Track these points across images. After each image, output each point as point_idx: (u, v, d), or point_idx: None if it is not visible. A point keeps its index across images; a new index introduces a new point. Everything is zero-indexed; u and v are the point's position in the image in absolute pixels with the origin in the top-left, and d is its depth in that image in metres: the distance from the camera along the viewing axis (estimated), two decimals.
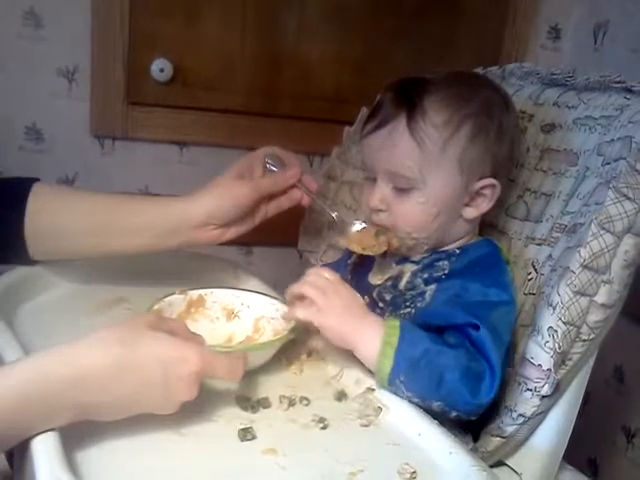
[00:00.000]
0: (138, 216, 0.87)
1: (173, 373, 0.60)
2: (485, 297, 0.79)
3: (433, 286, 0.83)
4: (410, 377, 0.71)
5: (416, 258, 0.87)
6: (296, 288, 0.77)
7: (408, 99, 0.81)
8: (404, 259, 0.88)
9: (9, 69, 1.29)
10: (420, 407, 0.71)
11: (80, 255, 0.90)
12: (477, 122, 0.81)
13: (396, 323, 0.74)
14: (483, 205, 0.84)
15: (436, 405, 0.72)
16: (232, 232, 0.90)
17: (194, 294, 0.84)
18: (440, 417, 0.71)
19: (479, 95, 0.84)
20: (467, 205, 0.84)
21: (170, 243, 0.88)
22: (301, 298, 0.76)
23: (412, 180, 0.81)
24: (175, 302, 0.82)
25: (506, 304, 0.79)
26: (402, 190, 0.83)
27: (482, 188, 0.83)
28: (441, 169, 0.81)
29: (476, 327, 0.74)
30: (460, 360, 0.72)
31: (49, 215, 0.86)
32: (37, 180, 0.88)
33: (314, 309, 0.74)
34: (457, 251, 0.85)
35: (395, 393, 0.72)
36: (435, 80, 0.83)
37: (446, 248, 0.86)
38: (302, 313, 0.75)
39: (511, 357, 0.82)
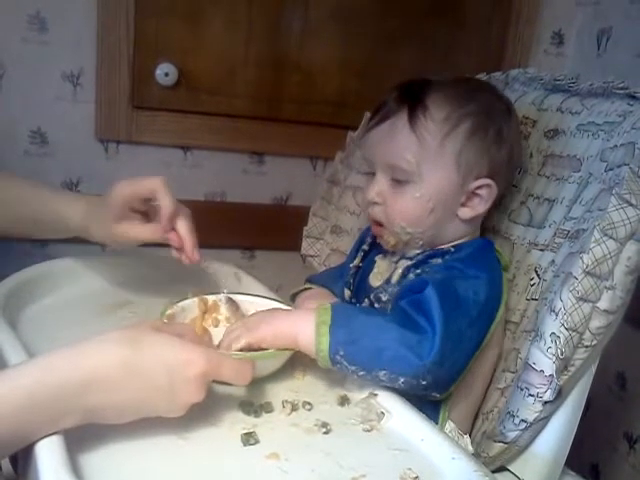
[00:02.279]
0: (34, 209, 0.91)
1: (179, 375, 0.60)
2: (459, 271, 0.80)
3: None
4: (349, 350, 0.71)
5: (411, 254, 0.88)
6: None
7: (411, 96, 0.84)
8: (400, 257, 0.89)
9: (14, 73, 1.29)
10: (368, 378, 0.72)
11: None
12: (476, 121, 0.83)
13: (327, 305, 0.75)
14: (479, 206, 0.85)
15: (382, 374, 0.71)
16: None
17: (208, 299, 0.84)
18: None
19: (481, 97, 0.86)
20: (463, 205, 0.85)
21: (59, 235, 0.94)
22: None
23: (409, 173, 0.83)
24: (188, 307, 0.82)
25: (480, 279, 0.80)
26: (399, 184, 0.84)
27: (478, 188, 0.84)
28: (438, 164, 0.82)
29: (423, 289, 0.75)
30: (394, 324, 0.73)
31: None
32: None
33: (244, 332, 0.74)
34: (452, 249, 0.86)
35: (341, 370, 0.72)
36: (440, 81, 0.86)
37: (441, 247, 0.87)
38: (237, 342, 0.73)
39: (514, 362, 0.82)
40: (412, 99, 0.83)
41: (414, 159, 0.82)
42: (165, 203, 0.82)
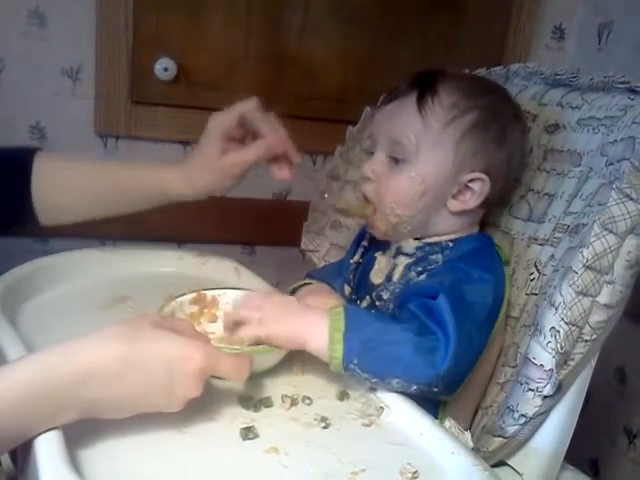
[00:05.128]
0: (134, 179, 0.93)
1: (177, 370, 0.60)
2: (465, 274, 0.80)
3: (424, 276, 0.84)
4: (363, 358, 0.71)
5: (409, 250, 0.88)
6: (231, 316, 0.77)
7: (424, 81, 0.85)
8: (398, 253, 0.89)
9: (13, 68, 1.29)
10: (380, 385, 0.72)
11: (86, 218, 0.95)
12: (482, 115, 0.84)
13: (340, 309, 0.74)
14: (470, 201, 0.85)
15: (395, 382, 0.71)
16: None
17: (207, 295, 0.84)
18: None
19: (492, 96, 0.87)
20: (454, 197, 0.85)
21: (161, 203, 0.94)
22: (239, 324, 0.76)
23: (408, 151, 0.83)
24: (187, 303, 0.82)
25: (487, 282, 0.80)
26: (395, 163, 0.85)
27: (471, 181, 0.84)
28: (437, 148, 0.83)
29: (435, 296, 0.75)
30: (409, 333, 0.72)
31: (53, 183, 0.91)
32: (38, 150, 0.93)
33: (255, 324, 0.74)
34: (450, 244, 0.86)
35: (352, 376, 0.72)
36: (455, 74, 0.88)
37: (438, 240, 0.87)
38: (246, 331, 0.74)
39: (513, 357, 0.82)
40: (424, 83, 0.85)
41: (415, 138, 0.83)
42: (258, 118, 0.91)
